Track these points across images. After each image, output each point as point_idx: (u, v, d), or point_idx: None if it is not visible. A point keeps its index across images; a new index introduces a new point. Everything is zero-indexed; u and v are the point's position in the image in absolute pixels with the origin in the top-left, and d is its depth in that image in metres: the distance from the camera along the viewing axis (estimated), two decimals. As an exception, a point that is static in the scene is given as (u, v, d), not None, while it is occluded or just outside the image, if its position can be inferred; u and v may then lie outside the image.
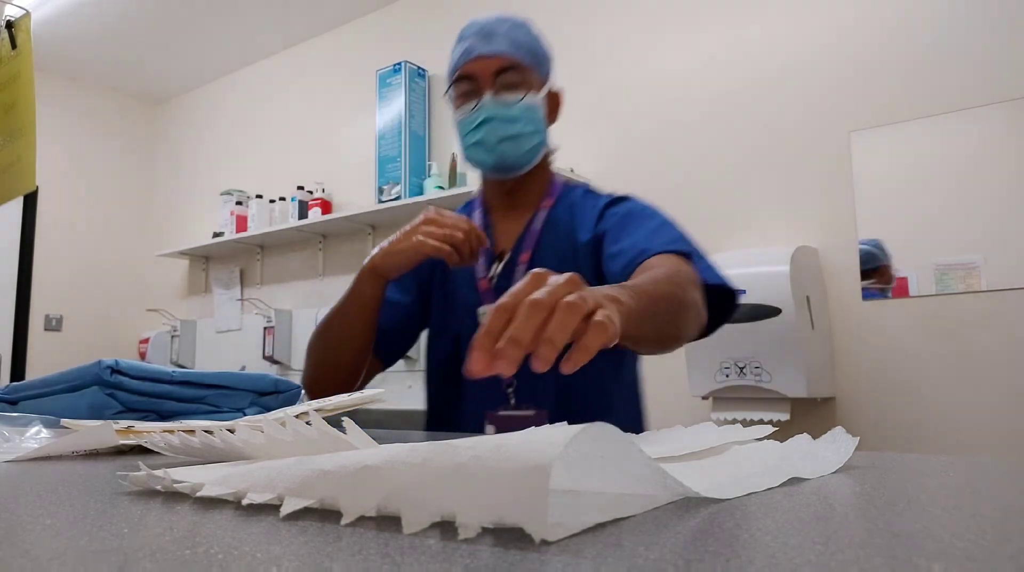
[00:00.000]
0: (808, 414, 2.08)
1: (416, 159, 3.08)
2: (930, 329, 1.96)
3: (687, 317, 0.82)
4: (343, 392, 0.99)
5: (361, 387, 1.09)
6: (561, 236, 1.08)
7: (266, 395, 0.89)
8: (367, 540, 0.26)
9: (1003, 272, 1.88)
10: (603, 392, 1.05)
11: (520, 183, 1.12)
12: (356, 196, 3.36)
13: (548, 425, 0.38)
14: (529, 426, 0.92)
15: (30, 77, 1.07)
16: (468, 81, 1.07)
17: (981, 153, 1.93)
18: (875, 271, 2.08)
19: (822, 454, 0.46)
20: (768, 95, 2.29)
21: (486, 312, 0.94)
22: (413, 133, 3.09)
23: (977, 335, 1.89)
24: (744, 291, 1.00)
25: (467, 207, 1.21)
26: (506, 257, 1.10)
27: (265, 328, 3.49)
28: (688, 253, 0.92)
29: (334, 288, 3.44)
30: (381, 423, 2.73)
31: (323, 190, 3.42)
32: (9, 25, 1.09)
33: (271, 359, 3.47)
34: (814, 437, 0.52)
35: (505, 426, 1.01)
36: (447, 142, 3.07)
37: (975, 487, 0.38)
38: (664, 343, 0.83)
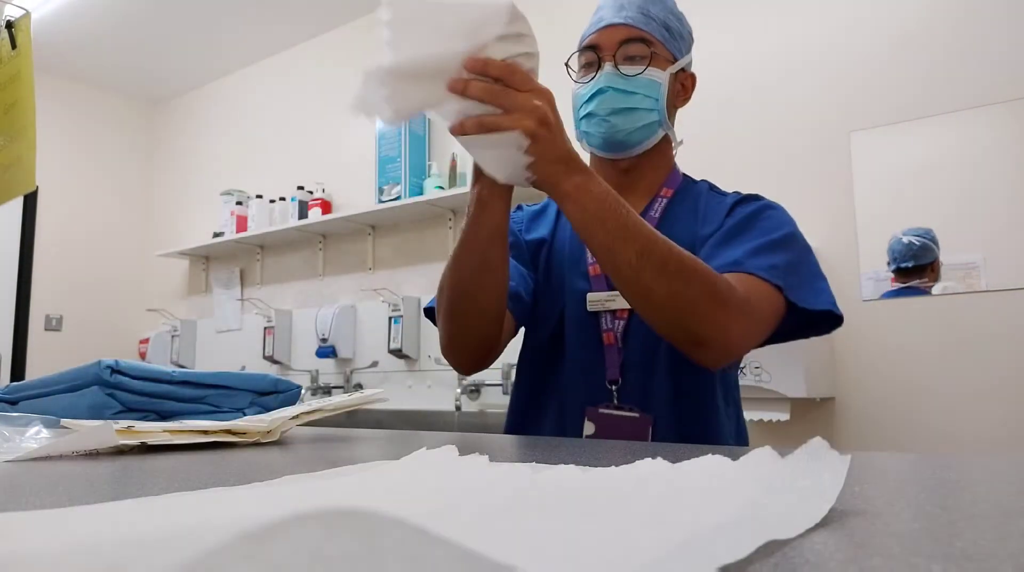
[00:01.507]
0: (808, 414, 2.08)
1: (416, 159, 3.08)
2: (930, 329, 1.96)
3: (692, 292, 0.78)
4: (486, 353, 0.95)
5: (497, 356, 0.99)
6: (681, 228, 0.99)
7: (266, 395, 0.89)
8: None
9: (1003, 272, 1.88)
10: (711, 401, 0.98)
11: (636, 165, 1.03)
12: (356, 196, 3.36)
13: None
14: (634, 429, 0.91)
15: (30, 77, 1.07)
16: (592, 51, 1.02)
17: (981, 153, 1.93)
18: (929, 266, 1.95)
19: (802, 485, 0.31)
20: (768, 95, 2.29)
21: (596, 300, 0.97)
22: (413, 133, 3.08)
23: (977, 335, 1.89)
24: (841, 316, 0.98)
25: None
26: None
27: (265, 328, 3.50)
28: (780, 286, 0.87)
29: (334, 288, 3.44)
30: (381, 423, 2.74)
31: (323, 190, 3.43)
32: (9, 25, 1.09)
33: (271, 359, 3.47)
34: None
35: (605, 424, 0.97)
36: (447, 142, 3.07)
37: (975, 487, 0.38)
38: (650, 304, 0.80)
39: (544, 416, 1.03)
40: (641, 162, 1.03)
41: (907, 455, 0.53)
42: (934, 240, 1.98)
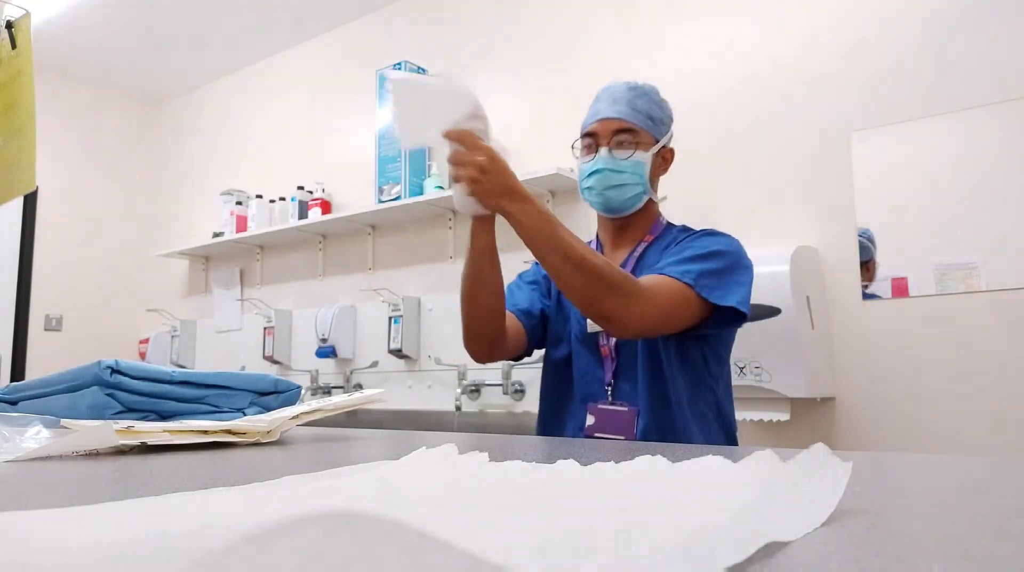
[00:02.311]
0: (808, 414, 2.08)
1: (416, 159, 3.07)
2: (930, 329, 1.96)
3: (598, 285, 1.09)
4: (492, 344, 1.28)
5: (516, 357, 1.39)
6: (652, 261, 1.29)
7: (266, 395, 0.89)
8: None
9: (1003, 272, 1.88)
10: (687, 397, 1.24)
11: (627, 222, 1.36)
12: (356, 196, 3.36)
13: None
14: (623, 420, 1.20)
15: (30, 77, 1.07)
16: (591, 137, 1.32)
17: (981, 153, 1.93)
18: (864, 266, 2.06)
19: (803, 490, 0.31)
20: (768, 95, 2.29)
21: (593, 325, 1.29)
22: (413, 133, 3.08)
23: (977, 335, 1.89)
24: (747, 313, 1.22)
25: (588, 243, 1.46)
26: None
27: (265, 328, 3.49)
28: (690, 284, 1.15)
29: (334, 288, 3.44)
30: (381, 423, 2.74)
31: (323, 190, 3.42)
32: (9, 25, 1.09)
33: (271, 359, 3.47)
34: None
35: (601, 416, 1.27)
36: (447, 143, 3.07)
37: (975, 487, 0.38)
38: (573, 288, 1.11)
39: (564, 414, 1.35)
40: (631, 220, 1.36)
41: (907, 455, 0.53)
42: (870, 239, 2.06)
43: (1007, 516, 0.29)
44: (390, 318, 3.03)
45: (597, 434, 1.27)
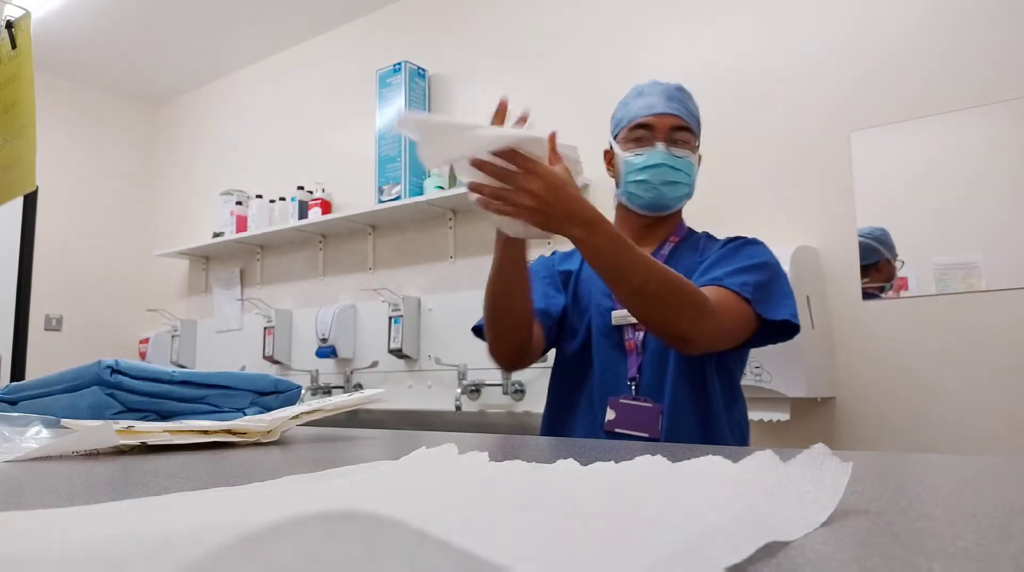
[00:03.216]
0: (808, 414, 2.08)
1: (416, 159, 3.07)
2: (930, 329, 1.96)
3: (674, 305, 1.04)
4: (519, 352, 1.23)
5: (533, 358, 1.30)
6: (686, 262, 1.26)
7: (266, 395, 0.89)
8: None
9: (1003, 272, 1.88)
10: (708, 395, 1.21)
11: (659, 220, 1.32)
12: (356, 196, 3.36)
13: None
14: (647, 416, 1.16)
15: (30, 77, 1.07)
16: (645, 129, 1.27)
17: (981, 153, 1.93)
18: (873, 267, 2.05)
19: (803, 490, 0.31)
20: (768, 95, 2.29)
21: (620, 316, 1.26)
22: (413, 133, 3.08)
23: (977, 335, 1.89)
24: (799, 326, 1.20)
25: None
26: None
27: (265, 328, 3.49)
28: (749, 299, 1.13)
29: (334, 288, 3.44)
30: (381, 423, 2.73)
31: (323, 190, 3.42)
32: (9, 25, 1.09)
33: (271, 359, 3.47)
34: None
35: (623, 412, 1.22)
36: (447, 142, 3.07)
37: (975, 487, 0.38)
38: (649, 310, 1.06)
39: (576, 409, 1.29)
40: (664, 219, 1.33)
41: (908, 455, 0.53)
42: (880, 240, 2.03)
43: (1008, 516, 0.29)
44: (390, 318, 3.03)
45: (618, 430, 1.21)
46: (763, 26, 2.33)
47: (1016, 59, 1.91)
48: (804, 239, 2.13)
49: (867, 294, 2.05)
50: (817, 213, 2.15)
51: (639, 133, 1.27)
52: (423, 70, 3.19)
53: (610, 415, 1.22)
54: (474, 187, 0.98)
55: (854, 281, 2.08)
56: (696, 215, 2.32)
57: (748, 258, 1.20)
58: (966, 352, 1.90)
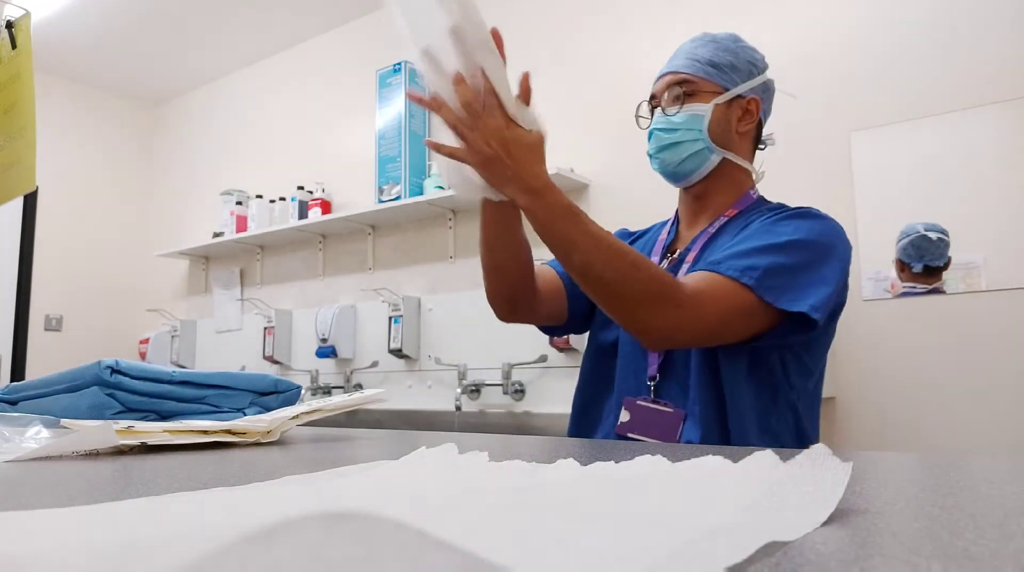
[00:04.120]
0: (808, 414, 2.08)
1: (416, 159, 3.07)
2: (930, 329, 1.96)
3: (625, 291, 0.93)
4: (515, 304, 1.13)
5: (550, 327, 1.23)
6: (725, 240, 1.08)
7: (266, 395, 0.89)
8: None
9: (1003, 272, 1.88)
10: (756, 409, 1.03)
11: (704, 191, 1.16)
12: (356, 196, 3.36)
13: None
14: (666, 421, 1.01)
15: (30, 77, 1.07)
16: (653, 99, 1.17)
17: (981, 153, 1.93)
18: (943, 268, 1.92)
19: (803, 490, 0.31)
20: (768, 95, 2.29)
21: None
22: (413, 133, 3.08)
23: (977, 335, 1.89)
24: (818, 321, 0.98)
25: (665, 222, 1.28)
26: (675, 255, 1.16)
27: (265, 328, 3.49)
28: (752, 286, 0.95)
29: (334, 288, 3.44)
30: (381, 423, 2.73)
31: (323, 190, 3.42)
32: (9, 25, 1.09)
33: (271, 359, 3.47)
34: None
35: (639, 414, 1.08)
36: (447, 142, 3.07)
37: (975, 487, 0.38)
38: (598, 294, 0.96)
39: (603, 406, 1.17)
40: (708, 188, 1.15)
41: (907, 455, 0.53)
42: (941, 233, 1.95)
43: (1007, 515, 0.29)
44: (390, 318, 3.03)
45: (630, 434, 1.07)
46: (763, 26, 2.33)
47: (1016, 59, 1.91)
48: (804, 239, 2.13)
49: (908, 293, 2.00)
50: (817, 213, 2.15)
51: (650, 106, 1.18)
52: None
53: (624, 416, 1.09)
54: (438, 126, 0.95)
55: (854, 281, 2.07)
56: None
57: (777, 235, 1.00)
58: (966, 352, 1.90)
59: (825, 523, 0.27)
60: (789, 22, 2.28)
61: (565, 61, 2.80)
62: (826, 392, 2.03)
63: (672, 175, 1.15)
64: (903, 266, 1.98)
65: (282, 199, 3.53)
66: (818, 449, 0.36)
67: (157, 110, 4.62)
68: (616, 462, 0.41)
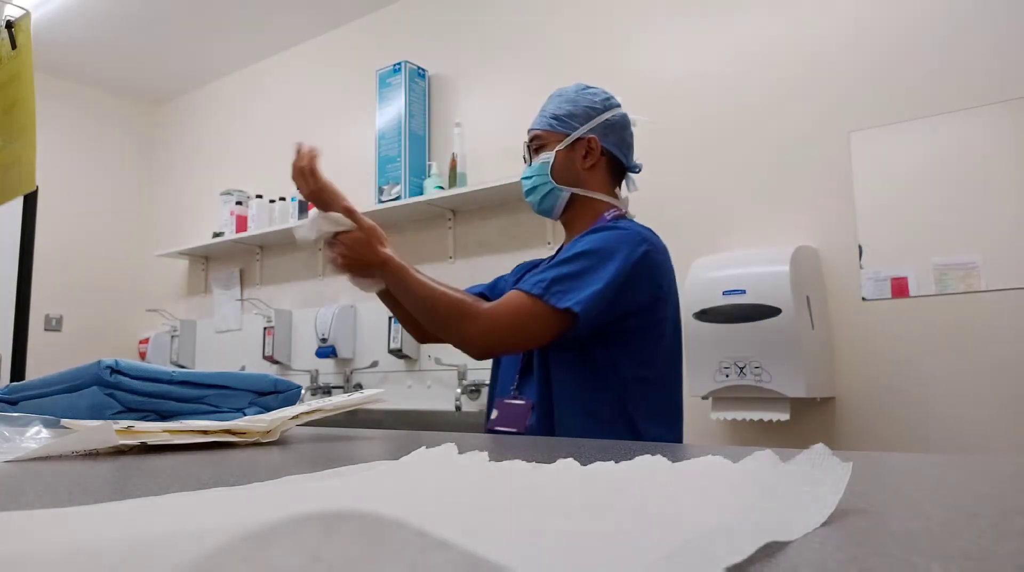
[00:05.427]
0: (808, 414, 2.08)
1: (416, 159, 3.07)
2: (930, 329, 1.96)
3: (436, 318, 1.21)
4: (431, 335, 1.40)
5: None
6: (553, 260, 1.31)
7: (265, 395, 0.89)
8: None
9: (1003, 272, 1.88)
10: (577, 395, 1.24)
11: (567, 221, 1.38)
12: (356, 196, 3.32)
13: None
14: (517, 412, 1.22)
15: (30, 77, 1.07)
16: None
17: (981, 153, 1.93)
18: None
19: (803, 490, 0.31)
20: (768, 95, 2.29)
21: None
22: (413, 133, 3.08)
23: (977, 335, 1.89)
24: (579, 315, 1.15)
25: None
26: None
27: (265, 328, 3.49)
28: (539, 295, 1.16)
29: (334, 288, 3.44)
30: (381, 423, 2.73)
31: (323, 190, 3.42)
32: (9, 25, 1.09)
33: (271, 359, 3.47)
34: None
35: (504, 411, 1.32)
36: (447, 142, 3.07)
37: (975, 487, 0.38)
38: (427, 323, 1.25)
39: (491, 408, 1.40)
40: (569, 218, 1.37)
41: (907, 455, 0.53)
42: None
43: (1006, 515, 0.29)
44: (390, 318, 3.03)
45: (497, 428, 1.30)
46: (763, 26, 2.33)
47: (1016, 59, 1.91)
48: (804, 239, 2.13)
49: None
50: (817, 213, 2.15)
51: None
52: (423, 70, 3.19)
53: (494, 414, 1.34)
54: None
55: (854, 281, 2.08)
56: (697, 215, 2.33)
57: (571, 250, 1.22)
58: (966, 352, 1.90)
59: (825, 523, 0.27)
60: (789, 22, 2.28)
61: (566, 62, 2.80)
62: (826, 392, 2.05)
63: (540, 212, 1.39)
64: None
65: (282, 199, 3.53)
66: (818, 449, 0.36)
67: (158, 110, 4.62)
68: (616, 462, 0.41)
